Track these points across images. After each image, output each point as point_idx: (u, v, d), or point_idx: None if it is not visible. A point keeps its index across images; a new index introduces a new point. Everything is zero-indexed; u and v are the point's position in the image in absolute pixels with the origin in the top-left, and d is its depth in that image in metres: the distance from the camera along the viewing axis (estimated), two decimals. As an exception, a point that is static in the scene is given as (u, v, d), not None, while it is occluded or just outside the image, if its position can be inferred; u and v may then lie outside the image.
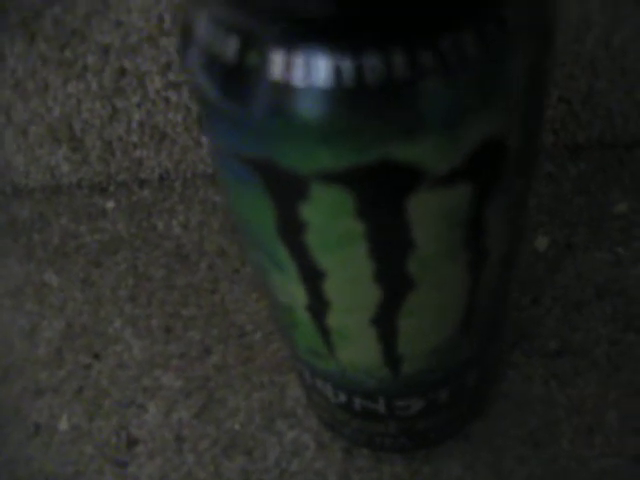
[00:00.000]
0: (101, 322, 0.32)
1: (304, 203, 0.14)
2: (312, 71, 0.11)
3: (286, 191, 0.14)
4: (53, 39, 0.32)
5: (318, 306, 0.17)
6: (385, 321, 0.17)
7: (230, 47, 0.12)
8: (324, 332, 0.18)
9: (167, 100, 0.34)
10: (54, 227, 0.37)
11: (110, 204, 0.37)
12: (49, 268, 0.35)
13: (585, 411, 0.26)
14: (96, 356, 0.31)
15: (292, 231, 0.15)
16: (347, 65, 0.11)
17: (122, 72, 0.33)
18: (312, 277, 0.16)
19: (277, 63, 0.12)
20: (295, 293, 0.17)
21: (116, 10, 0.31)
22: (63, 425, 0.30)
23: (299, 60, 0.11)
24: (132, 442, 0.28)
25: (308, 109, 0.12)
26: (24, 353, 0.32)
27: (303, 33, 0.11)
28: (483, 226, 0.15)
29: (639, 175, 0.33)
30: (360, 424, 0.23)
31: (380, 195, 0.13)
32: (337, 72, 0.11)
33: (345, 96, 0.11)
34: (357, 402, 0.21)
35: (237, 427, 0.28)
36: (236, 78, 0.12)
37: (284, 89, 0.12)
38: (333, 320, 0.17)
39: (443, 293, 0.16)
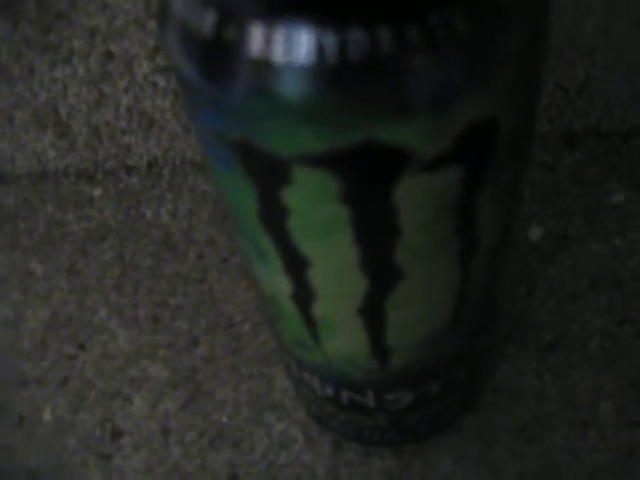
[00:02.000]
0: (87, 311, 0.32)
1: (286, 187, 0.13)
2: (293, 47, 0.11)
3: (268, 175, 0.13)
4: (37, 22, 0.31)
5: (303, 296, 0.16)
6: (373, 311, 0.16)
7: (207, 22, 0.12)
8: (310, 322, 0.18)
9: (155, 85, 0.33)
10: (40, 215, 0.36)
11: (97, 191, 0.36)
12: (34, 257, 0.35)
13: (579, 404, 0.25)
14: (81, 346, 0.31)
15: (274, 217, 0.14)
16: (330, 40, 0.11)
17: (109, 56, 0.32)
18: (296, 265, 0.15)
19: (256, 38, 0.11)
20: (280, 283, 0.16)
21: (102, -8, 0.30)
22: (47, 416, 0.29)
23: (279, 35, 0.11)
24: (117, 434, 0.28)
25: (289, 87, 0.11)
26: (8, 343, 0.31)
27: (284, 6, 0.11)
28: (473, 214, 0.14)
29: (636, 165, 0.32)
30: (348, 417, 0.22)
31: (365, 179, 0.12)
32: (319, 48, 0.11)
33: (328, 74, 0.11)
34: (345, 395, 0.21)
35: (224, 419, 0.27)
36: (214, 55, 0.12)
37: (264, 66, 0.11)
38: (319, 310, 0.17)
39: (432, 283, 0.16)
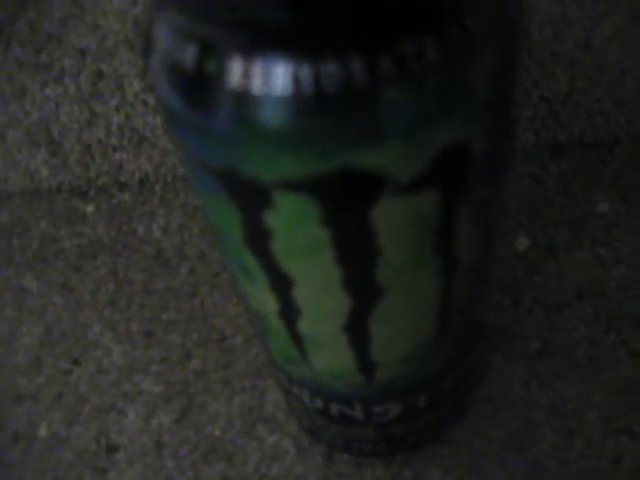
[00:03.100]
0: (80, 327, 0.32)
1: (268, 211, 0.13)
2: (270, 79, 0.11)
3: (250, 199, 0.13)
4: (29, 43, 0.31)
5: (289, 313, 0.17)
6: (357, 328, 0.17)
7: (189, 55, 0.12)
8: (297, 339, 0.18)
9: (145, 103, 0.33)
10: (33, 232, 0.37)
11: (90, 208, 0.37)
12: (28, 273, 0.35)
13: (566, 413, 0.26)
14: (75, 361, 0.31)
15: (258, 239, 0.14)
16: (305, 73, 0.11)
17: (100, 75, 0.33)
18: (281, 285, 0.16)
19: (235, 71, 0.11)
20: (266, 301, 0.17)
21: (92, 13, 0.30)
22: (42, 432, 0.29)
23: (257, 68, 0.11)
24: (112, 448, 0.28)
25: (268, 117, 0.12)
26: (3, 359, 0.32)
27: (261, 41, 0.11)
28: (452, 232, 0.15)
29: (620, 175, 0.33)
30: (338, 429, 0.23)
31: (344, 203, 0.13)
32: (295, 80, 0.11)
33: (304, 104, 0.11)
34: (334, 408, 0.21)
35: (217, 432, 0.28)
36: (196, 86, 0.12)
37: (243, 97, 0.12)
38: (305, 327, 0.17)
39: (414, 300, 0.16)
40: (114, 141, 0.35)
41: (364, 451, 0.24)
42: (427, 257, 0.15)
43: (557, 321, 0.28)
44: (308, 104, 0.11)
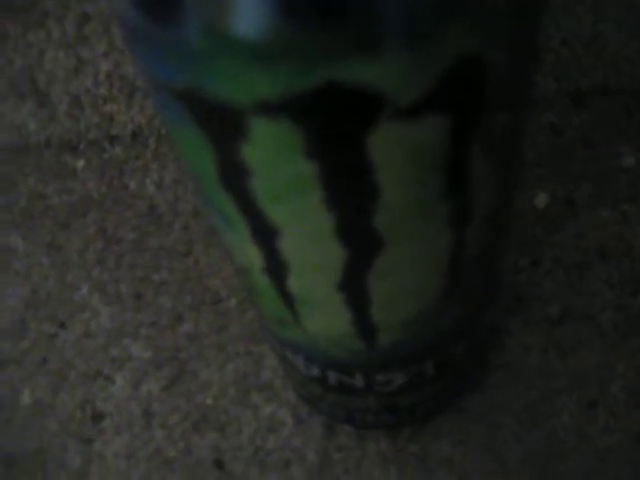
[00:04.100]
0: (67, 288, 0.30)
1: (244, 142, 0.11)
2: (236, -33, 0.09)
3: (222, 129, 0.11)
4: (8, -18, 0.29)
5: (275, 268, 0.15)
6: (353, 285, 0.14)
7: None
8: (286, 298, 0.16)
9: (135, 48, 0.31)
10: (21, 188, 0.35)
11: (80, 163, 0.35)
12: (14, 232, 0.33)
13: (588, 383, 0.24)
14: (61, 325, 0.29)
15: (235, 177, 0.12)
16: (279, -43, 0.09)
17: (85, 18, 0.30)
18: (264, 234, 0.13)
19: (193, -42, 0.09)
20: (250, 253, 0.15)
21: (75, -53, 0.28)
22: (25, 399, 0.28)
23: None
24: (98, 417, 0.26)
25: (234, 21, 0.09)
26: (-15, 322, 0.30)
27: None
28: (464, 171, 0.12)
29: (648, 126, 0.30)
30: (337, 399, 0.21)
31: (332, 129, 0.10)
32: (266, -33, 0.09)
33: (276, 2, 0.09)
34: (332, 376, 0.19)
35: (209, 401, 0.26)
36: (149, -16, 0.10)
37: (203, -6, 0.09)
38: (294, 284, 0.15)
39: (420, 253, 0.14)
40: (103, 91, 0.33)
41: (367, 423, 0.22)
42: (434, 201, 0.13)
43: (579, 283, 0.26)
44: (281, 2, 0.09)
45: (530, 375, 0.24)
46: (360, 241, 0.13)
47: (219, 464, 0.24)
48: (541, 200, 0.28)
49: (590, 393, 0.23)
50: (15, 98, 0.34)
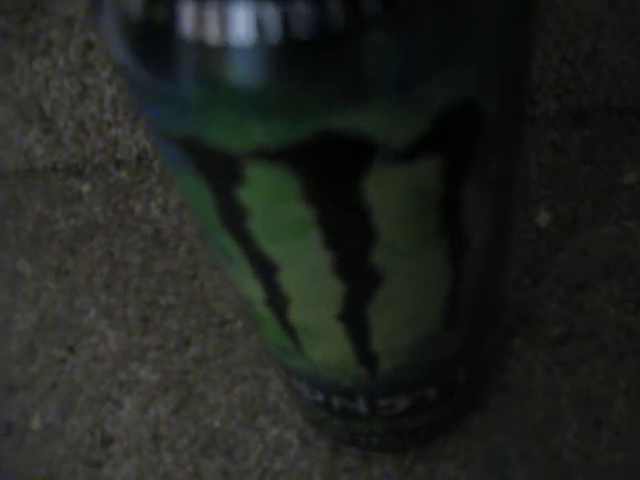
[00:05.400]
0: (75, 313, 0.30)
1: (242, 187, 0.11)
2: (229, 25, 0.09)
3: (221, 174, 0.11)
4: (13, 12, 0.29)
5: (277, 301, 0.15)
6: (353, 317, 0.15)
7: (135, 1, 0.10)
8: (288, 329, 0.16)
9: (139, 74, 0.31)
10: (28, 213, 0.35)
11: (86, 187, 0.35)
12: (22, 256, 0.33)
13: (592, 401, 0.24)
14: (70, 349, 0.29)
15: (234, 218, 0.12)
16: (270, 15, 0.09)
17: (89, 46, 0.31)
18: (265, 270, 0.14)
19: (187, 16, 0.09)
20: (250, 287, 0.15)
21: (78, -22, 0.28)
22: (36, 424, 0.28)
23: (212, 12, 0.09)
24: (107, 441, 0.27)
25: (227, 73, 0.09)
26: (-5, 348, 0.30)
27: (216, -23, 0.09)
28: (460, 208, 0.13)
29: (649, 142, 0.30)
30: (342, 423, 0.21)
31: (327, 175, 0.11)
32: (259, 25, 0.09)
33: (270, 55, 0.09)
34: (336, 401, 0.19)
35: (217, 424, 0.26)
36: (145, 38, 0.10)
37: (198, 49, 0.10)
38: (295, 316, 0.15)
39: (418, 286, 0.14)
40: (108, 116, 0.33)
41: (372, 446, 0.22)
42: (431, 238, 0.13)
43: (582, 302, 0.26)
44: (274, 55, 0.09)
45: (533, 395, 0.24)
46: (359, 276, 0.13)
47: (227, 488, 0.24)
48: (543, 218, 0.28)
49: (594, 412, 0.24)
50: (22, 124, 0.34)
